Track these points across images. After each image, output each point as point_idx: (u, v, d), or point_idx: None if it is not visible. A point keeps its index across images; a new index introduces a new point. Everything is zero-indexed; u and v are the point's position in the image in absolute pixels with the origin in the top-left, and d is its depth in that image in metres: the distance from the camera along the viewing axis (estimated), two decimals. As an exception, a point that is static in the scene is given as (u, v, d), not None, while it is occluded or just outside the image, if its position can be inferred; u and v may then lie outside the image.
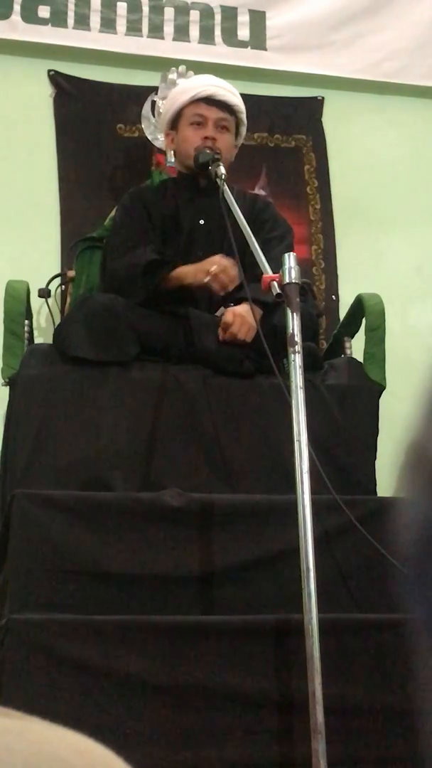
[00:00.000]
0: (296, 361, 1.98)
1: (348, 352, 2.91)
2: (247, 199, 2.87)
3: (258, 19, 3.62)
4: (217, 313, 2.67)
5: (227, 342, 2.54)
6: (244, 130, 2.92)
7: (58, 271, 3.18)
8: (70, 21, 3.49)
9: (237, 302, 2.61)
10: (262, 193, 3.45)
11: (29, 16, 3.46)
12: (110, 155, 3.45)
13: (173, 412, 2.49)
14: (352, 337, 2.94)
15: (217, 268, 2.56)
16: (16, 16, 3.45)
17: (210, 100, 2.82)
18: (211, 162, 2.69)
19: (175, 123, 2.87)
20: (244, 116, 2.89)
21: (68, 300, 3.14)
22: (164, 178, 3.09)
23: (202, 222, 2.82)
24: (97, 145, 3.46)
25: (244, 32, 3.61)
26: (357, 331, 2.90)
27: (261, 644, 2.01)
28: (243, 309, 2.50)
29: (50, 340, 2.76)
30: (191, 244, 2.80)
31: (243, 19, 3.61)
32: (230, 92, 2.86)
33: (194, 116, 2.81)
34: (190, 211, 2.84)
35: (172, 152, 3.00)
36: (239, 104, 2.86)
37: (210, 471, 2.46)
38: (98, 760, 0.44)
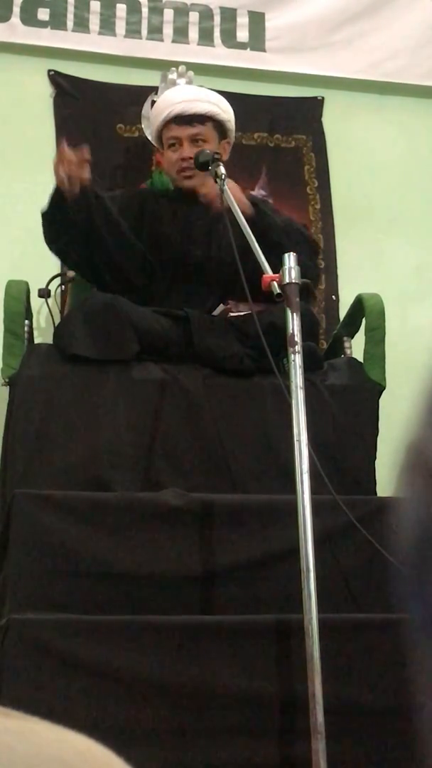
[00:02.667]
0: (296, 361, 1.98)
1: (348, 352, 2.91)
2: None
3: (257, 20, 3.62)
4: (216, 312, 2.68)
5: (236, 338, 2.54)
6: (230, 125, 2.90)
7: (58, 271, 3.17)
8: (70, 23, 3.49)
9: (235, 300, 2.62)
10: (262, 193, 3.45)
11: (29, 18, 3.46)
12: (110, 155, 3.45)
13: (173, 411, 2.49)
14: (352, 337, 2.94)
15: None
16: (15, 19, 3.45)
17: (179, 119, 2.81)
18: (211, 162, 2.69)
19: (160, 143, 2.92)
20: (223, 115, 2.85)
21: (68, 300, 3.14)
22: (166, 188, 3.09)
23: (199, 224, 2.83)
24: (97, 145, 3.45)
25: (243, 33, 3.61)
26: (357, 331, 2.90)
27: (261, 644, 2.01)
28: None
29: (50, 340, 2.76)
30: (188, 246, 2.81)
31: (242, 20, 3.61)
32: (200, 101, 2.83)
33: (169, 139, 2.84)
34: (187, 214, 2.84)
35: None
36: (211, 109, 2.83)
37: (210, 471, 2.46)
38: (98, 760, 0.44)
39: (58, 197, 2.55)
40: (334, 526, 2.22)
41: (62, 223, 2.60)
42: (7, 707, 0.47)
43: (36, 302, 3.01)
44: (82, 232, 2.62)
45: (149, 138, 3.41)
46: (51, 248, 2.73)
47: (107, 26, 3.52)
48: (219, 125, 2.85)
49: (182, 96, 2.89)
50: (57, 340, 2.61)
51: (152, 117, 2.97)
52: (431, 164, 3.71)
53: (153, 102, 3.43)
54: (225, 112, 2.87)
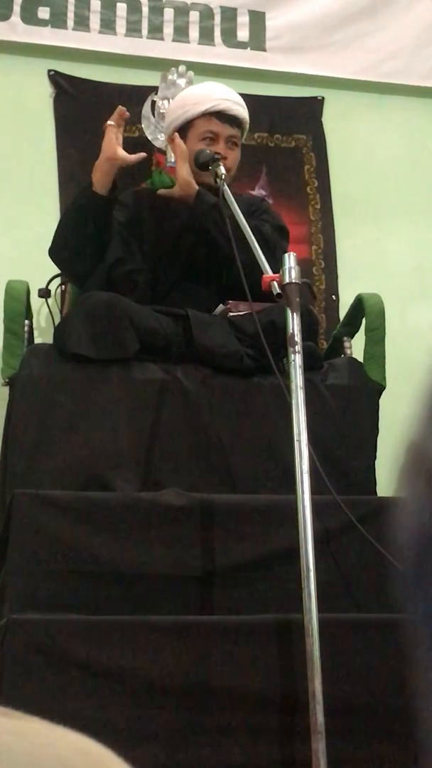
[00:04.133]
0: (296, 361, 1.98)
1: (348, 352, 2.91)
2: (243, 199, 2.88)
3: (258, 19, 3.62)
4: (215, 312, 2.68)
5: (236, 337, 2.54)
6: (245, 135, 2.94)
7: (58, 271, 3.17)
8: (70, 22, 3.49)
9: (235, 300, 2.62)
10: (262, 192, 3.45)
11: (29, 17, 3.46)
12: (110, 155, 3.44)
13: (173, 411, 2.49)
14: (352, 337, 2.94)
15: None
16: (15, 18, 3.45)
17: (222, 116, 2.81)
18: (211, 162, 2.69)
19: (183, 131, 2.85)
20: (247, 126, 2.90)
21: (68, 300, 3.14)
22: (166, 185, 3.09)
23: (197, 225, 2.83)
24: (97, 145, 3.45)
25: (243, 33, 3.61)
26: (357, 331, 2.90)
27: (261, 644, 2.01)
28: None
29: (50, 340, 2.76)
30: (187, 245, 2.81)
31: (243, 20, 3.61)
32: (241, 105, 2.86)
33: (206, 132, 2.81)
34: (186, 212, 2.84)
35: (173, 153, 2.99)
36: (247, 117, 2.87)
37: (210, 471, 2.46)
38: (98, 759, 0.44)
39: (88, 189, 2.62)
40: (334, 526, 2.22)
41: (86, 217, 2.62)
42: (7, 707, 0.47)
43: (36, 302, 3.01)
44: (96, 233, 2.64)
45: (149, 137, 3.41)
46: (62, 254, 2.74)
47: (107, 25, 3.52)
48: (243, 134, 2.89)
49: (226, 94, 2.87)
50: (57, 340, 2.61)
51: (184, 103, 2.89)
52: (431, 164, 3.71)
53: (153, 102, 3.43)
54: (248, 122, 2.90)
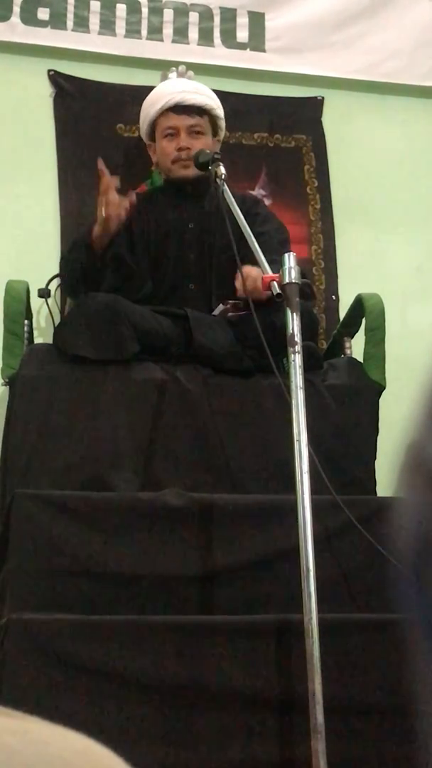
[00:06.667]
0: (296, 361, 1.98)
1: (348, 352, 2.91)
2: (238, 198, 2.87)
3: (257, 20, 3.62)
4: (215, 312, 2.68)
5: (236, 338, 2.53)
6: (222, 123, 2.93)
7: (58, 271, 3.17)
8: (70, 23, 3.48)
9: (234, 301, 2.62)
10: (261, 192, 3.45)
11: (29, 18, 3.46)
12: (110, 155, 3.45)
13: (173, 411, 2.49)
14: (352, 337, 2.94)
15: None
16: (15, 18, 3.45)
17: (178, 108, 2.82)
18: (211, 162, 2.69)
19: (152, 135, 2.89)
20: (218, 111, 2.88)
21: (68, 300, 3.14)
22: (156, 186, 3.10)
23: (191, 225, 2.83)
24: (97, 145, 3.45)
25: (243, 34, 3.60)
26: (357, 331, 2.90)
27: (261, 644, 2.01)
28: (251, 270, 2.43)
29: (50, 340, 2.76)
30: (182, 247, 2.81)
31: (242, 20, 3.60)
32: (199, 93, 2.85)
33: (166, 129, 2.84)
34: (179, 216, 2.85)
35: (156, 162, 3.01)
36: (209, 102, 2.86)
37: (210, 471, 2.46)
38: (98, 760, 0.44)
39: (83, 244, 2.61)
40: (334, 526, 2.22)
41: (88, 271, 2.63)
42: (7, 707, 0.47)
43: (36, 302, 3.01)
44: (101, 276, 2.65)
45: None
46: (70, 294, 2.81)
47: (107, 26, 3.52)
48: (213, 120, 2.87)
49: (180, 87, 2.89)
50: (57, 340, 2.61)
51: (145, 108, 2.96)
52: (431, 164, 3.71)
53: (153, 102, 3.43)
54: (219, 108, 2.90)
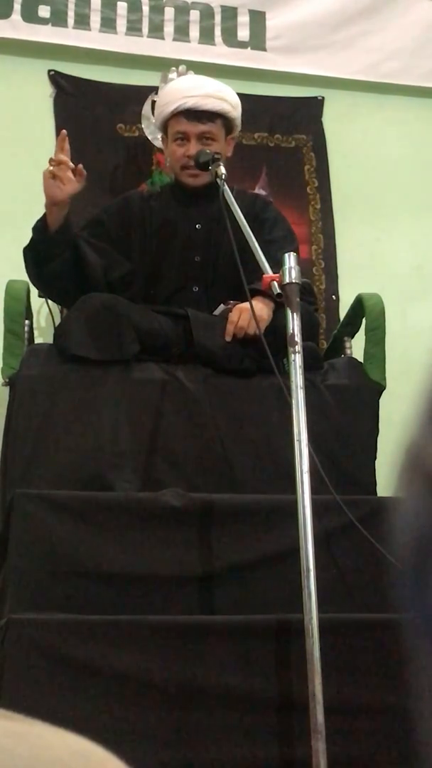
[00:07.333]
0: (296, 361, 1.98)
1: (348, 352, 2.91)
2: (247, 199, 2.86)
3: (258, 19, 3.62)
4: (216, 312, 2.68)
5: (237, 339, 2.52)
6: (238, 121, 2.85)
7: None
8: (70, 21, 3.49)
9: (235, 302, 2.62)
10: (262, 192, 3.44)
11: (29, 15, 3.46)
12: (110, 155, 3.45)
13: (174, 411, 2.49)
14: (352, 337, 2.94)
15: None
16: (16, 16, 3.45)
17: (191, 114, 2.74)
18: (212, 162, 2.68)
19: (165, 133, 2.86)
20: (233, 113, 2.80)
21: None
22: (164, 184, 3.08)
23: (198, 227, 2.82)
24: (97, 145, 3.45)
25: (244, 33, 3.60)
26: (357, 331, 2.90)
27: (261, 644, 2.01)
28: (246, 305, 2.48)
29: (50, 340, 2.76)
30: (187, 248, 2.80)
31: (243, 19, 3.61)
32: (214, 97, 2.76)
33: (177, 133, 2.76)
34: (186, 216, 2.84)
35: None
36: (225, 107, 2.77)
37: (210, 471, 2.46)
38: (98, 762, 0.44)
39: (41, 227, 2.58)
40: (334, 526, 2.22)
41: (45, 255, 2.59)
42: (6, 707, 0.47)
43: (36, 302, 3.00)
44: (63, 267, 2.61)
45: (149, 137, 3.41)
46: (36, 285, 2.75)
47: (108, 24, 3.52)
48: (227, 122, 2.82)
49: (195, 89, 2.78)
50: (57, 340, 2.61)
51: (160, 103, 2.88)
52: (431, 164, 3.71)
53: (153, 102, 3.43)
54: (234, 108, 2.80)
